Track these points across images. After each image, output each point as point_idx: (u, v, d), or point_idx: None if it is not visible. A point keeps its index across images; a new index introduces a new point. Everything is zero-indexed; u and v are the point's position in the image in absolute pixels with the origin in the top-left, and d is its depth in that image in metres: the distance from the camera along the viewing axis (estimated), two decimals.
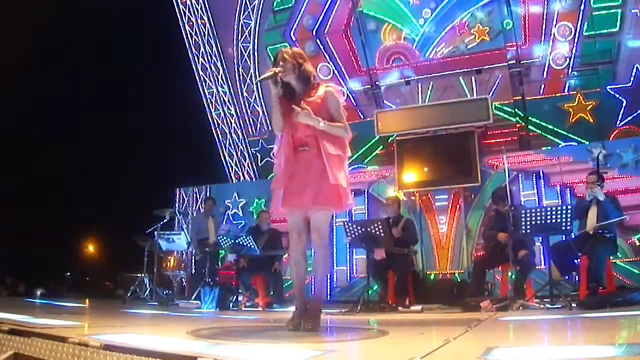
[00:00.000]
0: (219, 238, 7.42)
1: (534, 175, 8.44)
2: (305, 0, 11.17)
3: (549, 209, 5.51)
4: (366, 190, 9.38)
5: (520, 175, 8.47)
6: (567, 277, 6.37)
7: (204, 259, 7.92)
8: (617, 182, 7.82)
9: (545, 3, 9.45)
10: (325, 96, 3.33)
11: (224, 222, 10.30)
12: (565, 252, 5.86)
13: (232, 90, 11.98)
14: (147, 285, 8.46)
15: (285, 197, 3.28)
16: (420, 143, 9.19)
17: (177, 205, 11.12)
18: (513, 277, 6.10)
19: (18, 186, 15.63)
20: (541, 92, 9.56)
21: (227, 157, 12.04)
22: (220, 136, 12.16)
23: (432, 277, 8.45)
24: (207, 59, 12.14)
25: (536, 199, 8.33)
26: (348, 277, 9.10)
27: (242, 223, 10.21)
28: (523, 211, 5.69)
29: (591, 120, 8.99)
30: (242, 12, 11.74)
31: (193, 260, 8.63)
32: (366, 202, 9.34)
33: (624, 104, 8.86)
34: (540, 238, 6.25)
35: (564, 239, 5.99)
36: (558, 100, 9.25)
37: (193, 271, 9.12)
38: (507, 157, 6.80)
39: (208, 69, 12.14)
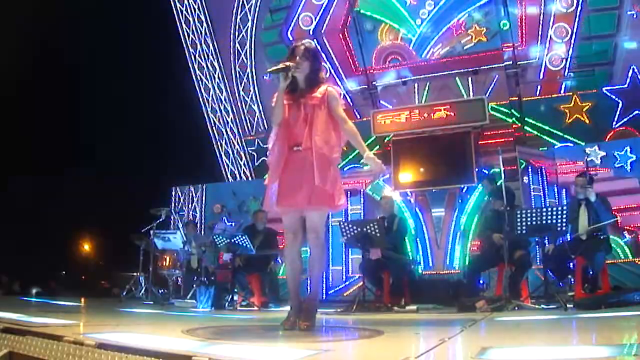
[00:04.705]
0: (214, 237, 7.42)
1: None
2: (302, 0, 11.17)
3: (544, 209, 5.51)
4: (362, 190, 9.37)
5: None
6: (562, 285, 6.37)
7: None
8: (613, 183, 7.84)
9: (542, 4, 9.47)
10: (327, 95, 3.36)
11: (220, 222, 10.31)
12: (560, 257, 5.86)
13: (228, 89, 11.96)
14: (143, 284, 8.45)
15: (279, 197, 3.28)
16: (417, 143, 9.18)
17: (172, 204, 11.09)
18: (508, 277, 6.11)
19: (13, 185, 15.57)
20: (537, 93, 9.58)
21: (223, 156, 12.03)
22: (216, 135, 12.14)
23: (427, 277, 8.45)
24: (204, 58, 12.12)
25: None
26: (343, 277, 9.09)
27: (237, 222, 10.19)
28: (518, 212, 5.68)
29: (587, 122, 9.02)
30: (239, 12, 11.72)
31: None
32: (362, 202, 9.32)
33: (620, 105, 8.89)
34: (536, 238, 6.25)
35: (560, 241, 6.00)
36: (554, 101, 9.28)
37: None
38: (503, 157, 6.81)
39: (205, 68, 12.13)
